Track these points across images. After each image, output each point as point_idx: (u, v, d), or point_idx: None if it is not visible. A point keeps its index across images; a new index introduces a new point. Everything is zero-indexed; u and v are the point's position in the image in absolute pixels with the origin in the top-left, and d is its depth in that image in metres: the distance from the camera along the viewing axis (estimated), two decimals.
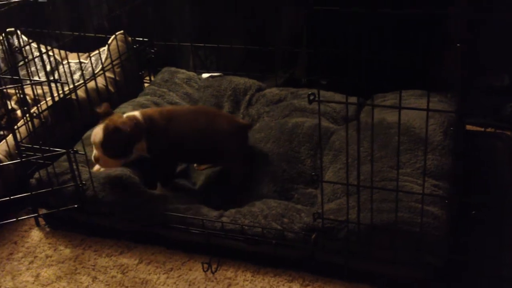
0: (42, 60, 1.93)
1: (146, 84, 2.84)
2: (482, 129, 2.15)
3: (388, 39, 2.44)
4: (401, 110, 1.50)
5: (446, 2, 2.37)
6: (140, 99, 2.53)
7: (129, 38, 2.74)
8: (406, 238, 1.64)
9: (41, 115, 2.08)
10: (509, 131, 2.25)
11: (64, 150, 1.92)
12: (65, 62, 2.77)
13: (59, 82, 1.88)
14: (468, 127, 2.35)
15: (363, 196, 1.69)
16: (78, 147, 1.99)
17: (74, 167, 1.93)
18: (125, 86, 2.66)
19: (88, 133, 2.24)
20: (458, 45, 1.42)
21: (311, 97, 1.55)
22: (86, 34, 2.58)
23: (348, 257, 1.72)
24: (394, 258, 1.66)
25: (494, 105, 2.40)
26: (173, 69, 2.78)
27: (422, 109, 1.47)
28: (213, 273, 1.82)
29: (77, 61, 2.74)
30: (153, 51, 2.81)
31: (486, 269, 1.70)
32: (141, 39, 2.77)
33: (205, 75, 2.78)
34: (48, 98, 2.15)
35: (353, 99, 2.13)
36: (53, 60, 2.75)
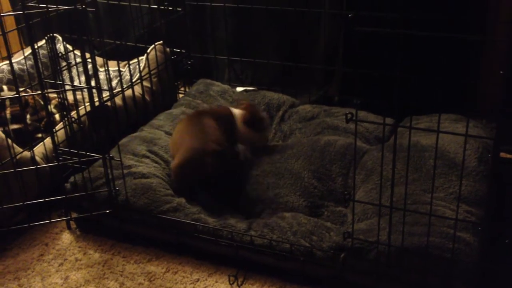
0: (84, 67, 1.97)
1: (180, 95, 2.88)
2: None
3: (425, 62, 2.44)
4: (438, 134, 1.49)
5: (485, 29, 2.37)
6: (176, 110, 2.56)
7: (167, 49, 2.79)
8: (437, 263, 1.62)
9: (80, 120, 2.13)
10: None
11: (100, 156, 1.96)
12: (103, 69, 2.83)
13: (100, 89, 1.92)
14: (502, 154, 2.32)
15: (394, 218, 1.68)
16: (114, 153, 2.02)
17: (109, 172, 1.96)
18: (160, 96, 2.70)
19: (124, 140, 2.28)
20: (501, 72, 1.40)
21: (349, 116, 1.56)
22: (123, 43, 2.64)
23: (377, 279, 1.71)
24: (423, 283, 1.64)
25: None
26: (208, 81, 2.82)
27: (460, 134, 1.46)
28: (239, 286, 1.82)
29: (116, 68, 2.79)
30: (189, 62, 2.86)
31: None
32: (178, 50, 2.82)
33: (239, 89, 2.81)
34: (87, 104, 2.19)
35: (388, 120, 2.13)
36: (93, 67, 2.82)
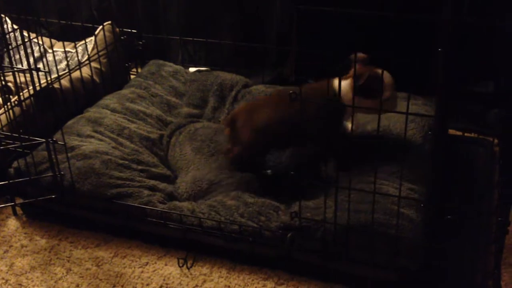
0: (25, 48, 1.91)
1: (132, 76, 2.82)
2: (462, 134, 2.15)
3: (376, 40, 2.45)
4: (380, 112, 1.50)
5: (437, 7, 2.39)
6: (125, 91, 2.51)
7: (117, 29, 2.72)
8: (382, 240, 1.64)
9: (23, 104, 2.06)
10: (491, 137, 2.25)
11: (43, 140, 1.90)
12: (51, 50, 2.75)
13: (40, 71, 1.86)
14: (452, 131, 2.35)
15: (340, 197, 1.68)
16: (58, 136, 1.97)
17: (53, 156, 1.91)
18: (110, 77, 2.64)
19: (69, 122, 2.22)
20: (439, 49, 1.41)
21: (293, 96, 1.55)
22: (73, 23, 2.56)
23: (325, 257, 1.72)
24: (369, 260, 1.66)
25: (478, 111, 2.40)
26: (160, 62, 2.77)
27: (401, 112, 1.47)
28: (188, 268, 1.81)
29: (63, 49, 2.71)
30: (140, 43, 2.80)
31: (461, 275, 1.70)
32: (129, 30, 2.75)
33: (192, 69, 2.77)
34: (31, 87, 2.13)
35: None
36: (40, 49, 2.74)
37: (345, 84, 1.84)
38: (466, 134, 2.27)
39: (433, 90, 2.35)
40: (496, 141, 2.20)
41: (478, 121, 2.36)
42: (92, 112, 2.29)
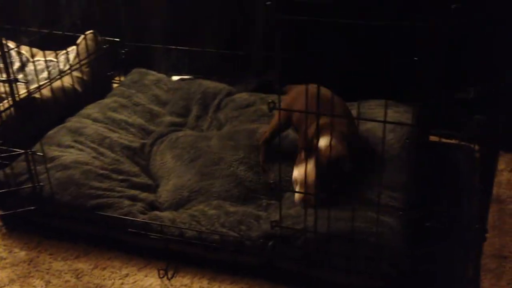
0: (4, 58, 1.89)
1: (115, 85, 2.81)
2: (443, 140, 2.15)
3: (359, 48, 2.45)
4: (359, 121, 1.50)
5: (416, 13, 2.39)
6: (107, 100, 2.50)
7: (100, 38, 2.71)
8: (363, 247, 1.64)
9: (2, 115, 2.05)
10: (472, 144, 2.26)
11: (22, 151, 1.89)
12: (32, 60, 2.73)
13: (19, 82, 1.85)
14: (433, 138, 2.36)
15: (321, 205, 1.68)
16: (38, 147, 1.96)
17: (32, 167, 1.90)
18: (92, 86, 2.63)
19: (50, 132, 2.20)
20: (415, 58, 1.42)
21: (271, 105, 1.55)
22: (54, 32, 2.55)
23: (307, 265, 1.71)
24: (351, 267, 1.66)
25: (459, 117, 2.40)
26: (143, 70, 2.76)
27: (379, 120, 1.47)
28: (169, 279, 1.79)
29: (47, 59, 2.70)
30: (123, 51, 2.78)
31: (446, 280, 1.70)
32: (112, 39, 2.74)
33: (175, 78, 2.77)
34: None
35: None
36: (21, 58, 2.72)
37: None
38: (447, 140, 2.27)
39: (414, 97, 2.37)
40: (476, 147, 2.20)
41: (460, 127, 2.37)
42: (73, 121, 2.28)
